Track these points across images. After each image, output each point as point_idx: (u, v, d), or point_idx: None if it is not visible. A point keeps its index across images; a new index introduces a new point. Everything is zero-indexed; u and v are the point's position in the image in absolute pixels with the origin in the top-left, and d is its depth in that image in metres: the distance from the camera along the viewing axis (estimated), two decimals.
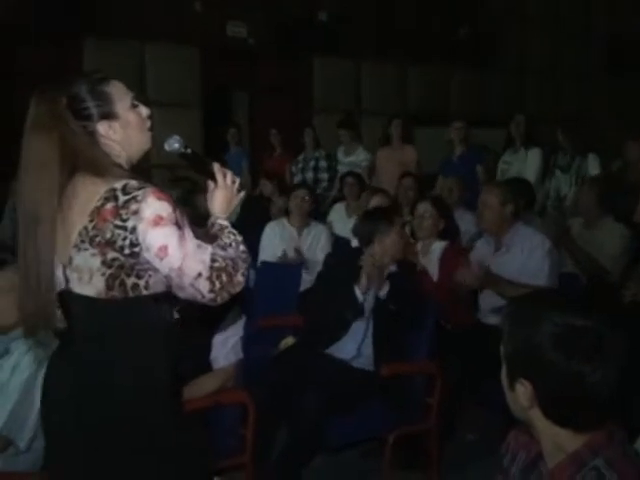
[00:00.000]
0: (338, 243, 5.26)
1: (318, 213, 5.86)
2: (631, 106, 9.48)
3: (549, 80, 10.63)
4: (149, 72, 8.36)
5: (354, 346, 3.49)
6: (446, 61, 9.76)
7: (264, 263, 5.01)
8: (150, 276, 1.84)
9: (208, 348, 2.98)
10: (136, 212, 1.78)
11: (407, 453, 3.52)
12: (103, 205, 1.80)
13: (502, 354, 1.47)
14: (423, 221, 4.28)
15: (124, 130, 1.95)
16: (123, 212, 1.78)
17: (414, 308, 3.51)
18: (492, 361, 1.58)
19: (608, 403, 1.37)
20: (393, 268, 3.59)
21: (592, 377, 1.33)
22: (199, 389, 2.84)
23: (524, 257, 3.79)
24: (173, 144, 2.05)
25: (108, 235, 1.79)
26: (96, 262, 1.81)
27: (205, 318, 2.86)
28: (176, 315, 2.31)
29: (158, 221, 1.78)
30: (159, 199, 1.80)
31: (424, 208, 4.30)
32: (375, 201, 4.87)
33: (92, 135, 1.92)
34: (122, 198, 1.79)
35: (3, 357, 2.67)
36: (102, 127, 1.92)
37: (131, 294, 1.83)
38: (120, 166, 1.92)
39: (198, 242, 1.85)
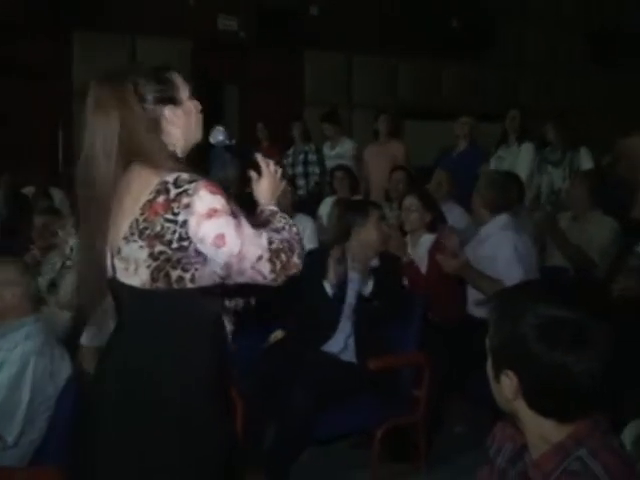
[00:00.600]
0: None
1: (311, 208, 5.86)
2: (624, 101, 9.50)
3: (543, 74, 10.62)
4: None
5: (342, 339, 3.50)
6: (438, 54, 9.74)
7: None
8: (197, 269, 1.83)
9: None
10: (187, 205, 1.78)
11: (396, 445, 3.54)
12: (155, 198, 1.80)
13: (488, 346, 1.47)
14: (409, 214, 4.31)
15: (186, 117, 1.97)
16: (174, 205, 1.78)
17: (398, 304, 3.50)
18: (479, 354, 1.59)
19: (592, 394, 1.37)
20: (375, 263, 3.58)
21: (575, 368, 1.33)
22: None
23: (493, 251, 3.80)
24: (218, 136, 2.08)
25: (158, 228, 1.79)
26: (143, 254, 1.81)
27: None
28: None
29: (212, 214, 1.78)
30: (212, 192, 1.80)
31: (410, 201, 4.33)
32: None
33: (156, 122, 1.92)
34: (174, 191, 1.79)
35: None
36: (168, 111, 1.94)
37: (175, 286, 1.83)
38: (175, 156, 1.93)
39: (259, 230, 1.87)
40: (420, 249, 4.22)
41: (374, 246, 3.57)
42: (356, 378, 3.33)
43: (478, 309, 3.73)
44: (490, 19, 10.23)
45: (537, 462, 1.43)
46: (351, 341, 3.50)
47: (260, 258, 1.82)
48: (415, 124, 9.36)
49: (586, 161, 5.74)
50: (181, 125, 1.96)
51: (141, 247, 1.81)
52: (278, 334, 3.76)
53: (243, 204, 1.96)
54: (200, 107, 2.04)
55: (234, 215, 1.83)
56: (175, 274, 1.82)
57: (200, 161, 2.14)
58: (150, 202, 1.80)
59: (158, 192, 1.80)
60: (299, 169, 7.19)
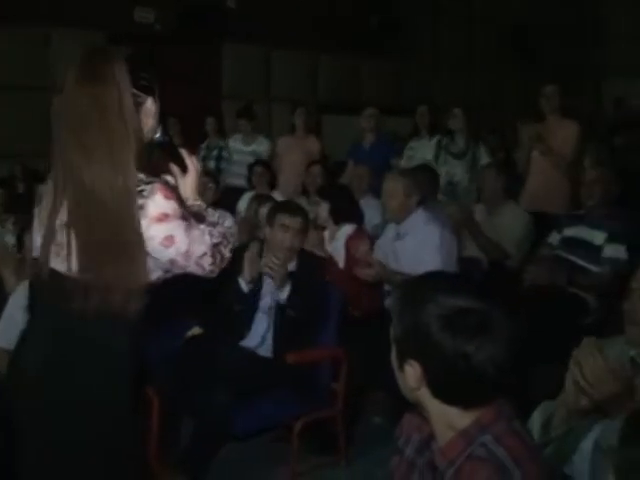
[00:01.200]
0: None
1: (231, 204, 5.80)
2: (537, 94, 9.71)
3: (460, 69, 10.79)
4: (54, 58, 8.06)
5: (258, 335, 3.48)
6: (358, 49, 9.78)
7: None
8: None
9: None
10: (141, 207, 1.82)
11: (315, 438, 3.55)
12: None
13: (391, 336, 1.48)
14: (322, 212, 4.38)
15: (155, 112, 2.00)
16: None
17: (314, 311, 3.47)
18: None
19: (496, 382, 1.40)
20: (292, 267, 3.54)
21: (477, 356, 1.35)
22: None
23: (417, 246, 3.84)
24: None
25: None
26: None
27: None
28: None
29: (162, 218, 1.83)
30: (166, 197, 1.85)
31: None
32: None
33: (137, 107, 1.92)
34: None
35: None
36: (150, 102, 1.97)
37: None
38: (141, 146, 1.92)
39: (201, 227, 1.94)
40: (337, 243, 4.24)
41: (278, 247, 3.52)
42: (274, 373, 3.32)
43: None
44: (410, 16, 10.32)
45: (443, 449, 1.45)
46: (269, 336, 3.48)
47: (204, 254, 1.92)
48: (334, 119, 9.39)
49: (485, 157, 5.80)
50: (150, 120, 1.99)
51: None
52: (195, 330, 3.72)
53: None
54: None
55: (184, 218, 1.89)
56: None
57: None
58: None
59: None
60: (211, 164, 7.01)
